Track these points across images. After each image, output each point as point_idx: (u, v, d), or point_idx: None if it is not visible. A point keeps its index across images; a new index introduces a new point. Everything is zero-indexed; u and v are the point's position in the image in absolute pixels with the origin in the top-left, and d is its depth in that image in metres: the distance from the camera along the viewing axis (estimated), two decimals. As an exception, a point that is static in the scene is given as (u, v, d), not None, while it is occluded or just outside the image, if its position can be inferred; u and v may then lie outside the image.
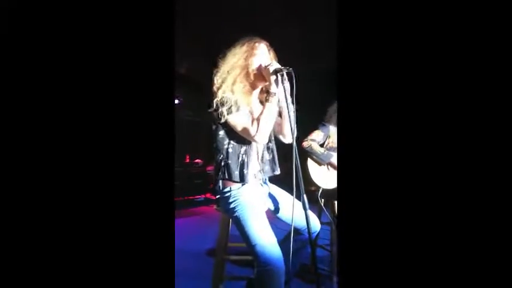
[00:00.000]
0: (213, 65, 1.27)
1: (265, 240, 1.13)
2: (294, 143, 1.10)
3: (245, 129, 1.16)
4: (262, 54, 1.25)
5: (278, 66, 1.14)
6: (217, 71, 1.24)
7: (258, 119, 1.16)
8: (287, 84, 1.12)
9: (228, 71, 1.23)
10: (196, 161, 4.88)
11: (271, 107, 1.16)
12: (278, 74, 1.13)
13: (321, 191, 1.85)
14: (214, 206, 1.37)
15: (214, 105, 1.18)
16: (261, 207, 1.25)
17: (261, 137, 1.16)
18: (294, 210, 1.31)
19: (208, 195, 4.62)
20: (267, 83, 1.22)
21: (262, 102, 1.32)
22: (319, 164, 1.90)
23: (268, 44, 1.29)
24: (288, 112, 1.14)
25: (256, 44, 1.26)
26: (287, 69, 1.10)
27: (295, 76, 1.09)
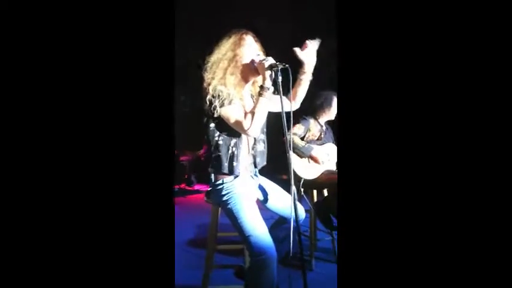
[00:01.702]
0: (202, 61, 1.27)
1: (259, 230, 1.17)
2: (288, 138, 1.14)
3: (237, 122, 1.18)
4: (250, 45, 1.27)
5: (273, 61, 1.16)
6: (205, 67, 1.25)
7: (251, 113, 1.18)
8: (280, 79, 1.15)
9: (216, 65, 1.23)
10: (170, 151, 4.78)
11: (265, 101, 1.19)
12: (273, 70, 1.15)
13: (302, 181, 1.93)
14: (205, 198, 1.38)
15: (208, 102, 1.18)
16: (253, 198, 1.29)
17: (254, 131, 1.19)
18: (284, 201, 1.36)
19: (182, 185, 4.57)
20: (259, 76, 1.24)
21: (253, 96, 1.34)
22: (301, 156, 1.97)
23: (254, 35, 1.31)
24: (282, 108, 1.17)
25: (244, 35, 1.27)
26: (283, 65, 1.13)
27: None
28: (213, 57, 1.25)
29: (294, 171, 1.93)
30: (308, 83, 1.35)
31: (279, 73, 1.14)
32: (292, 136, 1.94)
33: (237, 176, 1.24)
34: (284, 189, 1.41)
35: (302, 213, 1.41)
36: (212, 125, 1.23)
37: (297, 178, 1.94)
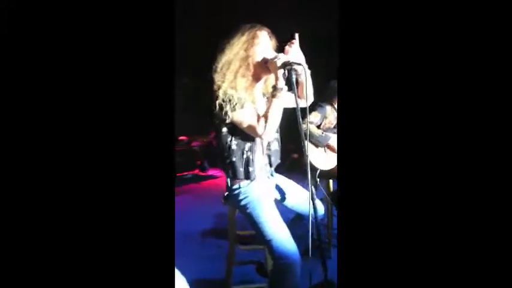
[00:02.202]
0: (211, 58, 1.19)
1: (280, 234, 1.15)
2: (303, 134, 1.09)
3: (251, 127, 1.13)
4: (264, 43, 1.18)
5: (286, 59, 1.08)
6: (216, 67, 1.16)
7: (264, 116, 1.12)
8: (295, 78, 1.08)
9: (227, 66, 1.15)
10: (181, 138, 4.78)
11: (278, 102, 1.13)
12: (286, 68, 1.08)
13: (318, 172, 1.89)
14: (223, 201, 1.37)
15: (218, 106, 1.12)
16: (271, 200, 1.26)
17: (269, 135, 1.14)
18: (300, 197, 1.33)
19: (196, 171, 4.60)
20: (271, 75, 1.17)
21: (265, 95, 1.28)
22: (317, 145, 1.91)
23: (270, 31, 1.22)
24: (297, 108, 1.11)
25: (258, 32, 1.17)
26: (297, 63, 1.05)
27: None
28: (224, 58, 1.16)
29: (310, 163, 1.89)
30: (309, 77, 1.24)
31: (293, 71, 1.06)
32: (308, 125, 1.88)
33: (253, 180, 1.21)
34: (296, 179, 1.38)
35: (321, 209, 1.38)
36: (224, 129, 1.18)
37: (313, 168, 1.89)
